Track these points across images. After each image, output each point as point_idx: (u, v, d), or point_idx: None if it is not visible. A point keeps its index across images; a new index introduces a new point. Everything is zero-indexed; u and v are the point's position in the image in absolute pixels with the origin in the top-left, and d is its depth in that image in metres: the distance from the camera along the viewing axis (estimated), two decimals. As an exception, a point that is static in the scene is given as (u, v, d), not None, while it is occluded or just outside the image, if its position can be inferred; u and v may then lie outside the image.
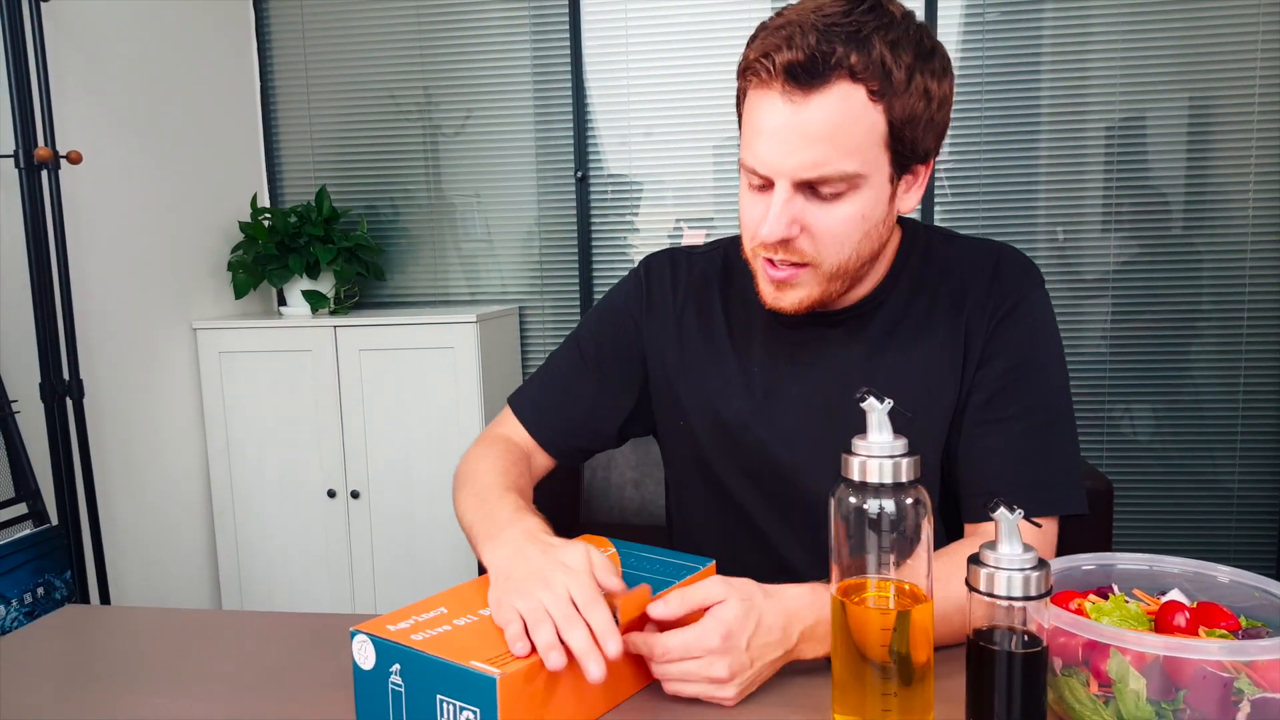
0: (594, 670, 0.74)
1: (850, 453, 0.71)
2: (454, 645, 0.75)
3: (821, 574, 1.07)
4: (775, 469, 1.07)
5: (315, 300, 2.66)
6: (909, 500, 0.70)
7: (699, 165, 2.82)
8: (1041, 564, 0.68)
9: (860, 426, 1.03)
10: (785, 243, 0.93)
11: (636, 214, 2.87)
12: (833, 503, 0.72)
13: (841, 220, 0.92)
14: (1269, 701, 0.68)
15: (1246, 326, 2.65)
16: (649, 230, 2.88)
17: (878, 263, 1.04)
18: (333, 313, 2.70)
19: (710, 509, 1.14)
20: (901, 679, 0.70)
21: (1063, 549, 1.08)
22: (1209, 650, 0.68)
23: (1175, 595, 0.81)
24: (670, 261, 1.16)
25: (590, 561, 0.82)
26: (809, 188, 0.91)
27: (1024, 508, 0.93)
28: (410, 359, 2.52)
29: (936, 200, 2.67)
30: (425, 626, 0.79)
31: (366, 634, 0.77)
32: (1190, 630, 0.74)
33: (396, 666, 0.75)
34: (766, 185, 0.93)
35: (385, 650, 0.76)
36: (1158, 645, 0.69)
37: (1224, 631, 0.75)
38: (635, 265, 1.18)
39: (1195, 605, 0.79)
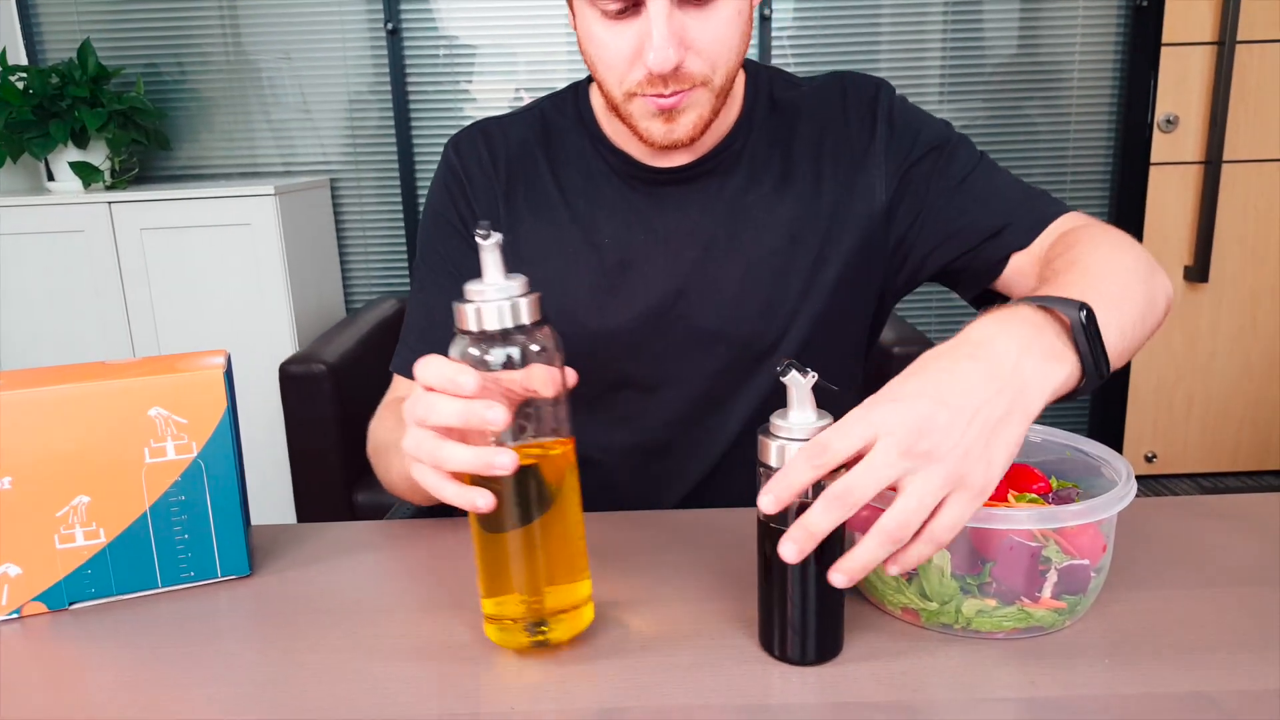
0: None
1: (464, 300, 0.60)
2: None
3: (701, 451, 0.97)
4: (637, 348, 0.96)
5: (86, 173, 2.34)
6: (535, 347, 0.60)
7: (546, 28, 2.60)
8: None
9: (727, 294, 0.94)
10: (675, 69, 0.82)
11: (471, 81, 2.64)
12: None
13: (724, 24, 0.83)
14: (1076, 568, 0.63)
15: (1069, 196, 2.69)
16: (488, 99, 2.65)
17: (731, 97, 0.95)
18: (109, 187, 2.39)
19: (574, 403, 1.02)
20: (542, 540, 0.62)
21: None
22: (1017, 519, 0.61)
23: (987, 459, 0.74)
24: (482, 134, 1.01)
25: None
26: None
27: (1046, 213, 0.90)
28: (201, 238, 2.26)
29: (775, 62, 2.55)
30: None
31: None
32: (999, 495, 0.68)
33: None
34: (628, 8, 0.81)
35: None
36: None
37: (1034, 495, 0.69)
38: (444, 149, 1.02)
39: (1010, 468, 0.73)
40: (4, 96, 2.30)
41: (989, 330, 0.61)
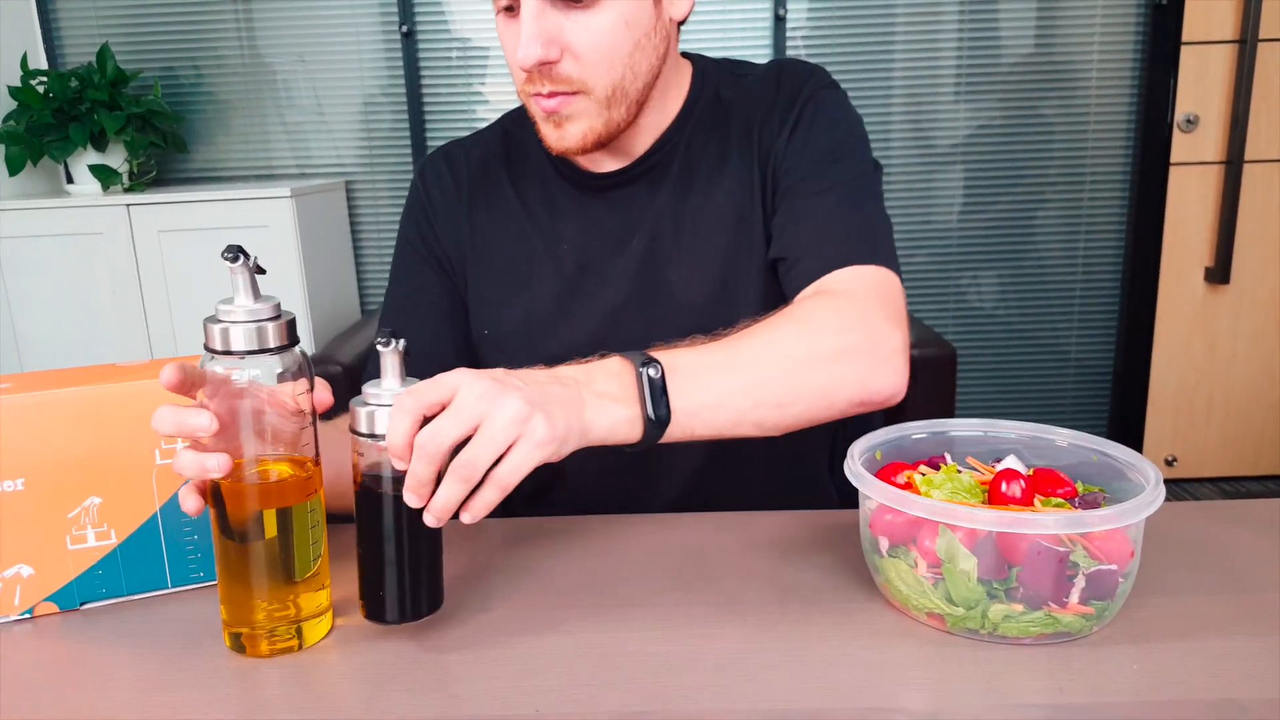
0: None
1: (213, 319, 0.61)
2: None
3: (682, 449, 0.96)
4: (602, 350, 0.95)
5: (105, 176, 2.35)
6: (279, 369, 0.62)
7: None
8: None
9: (679, 287, 0.93)
10: (546, 68, 0.84)
11: (484, 82, 2.64)
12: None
13: (605, 31, 0.83)
14: (1104, 573, 0.62)
15: (1087, 196, 2.66)
16: (500, 100, 2.65)
17: (667, 97, 0.95)
18: (128, 190, 2.40)
19: None
20: (285, 565, 0.64)
21: (902, 416, 1.00)
22: (1044, 524, 0.61)
23: (1011, 462, 0.73)
24: (445, 159, 1.03)
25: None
26: None
27: (845, 258, 0.85)
28: (218, 240, 2.26)
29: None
30: None
31: None
32: (1025, 500, 0.67)
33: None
34: (516, 4, 0.84)
35: None
36: (990, 521, 0.61)
37: (1060, 500, 0.68)
38: (413, 176, 1.06)
39: (1031, 472, 0.72)
40: (25, 100, 2.32)
41: (569, 367, 0.71)
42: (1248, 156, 2.47)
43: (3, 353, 2.33)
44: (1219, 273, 2.55)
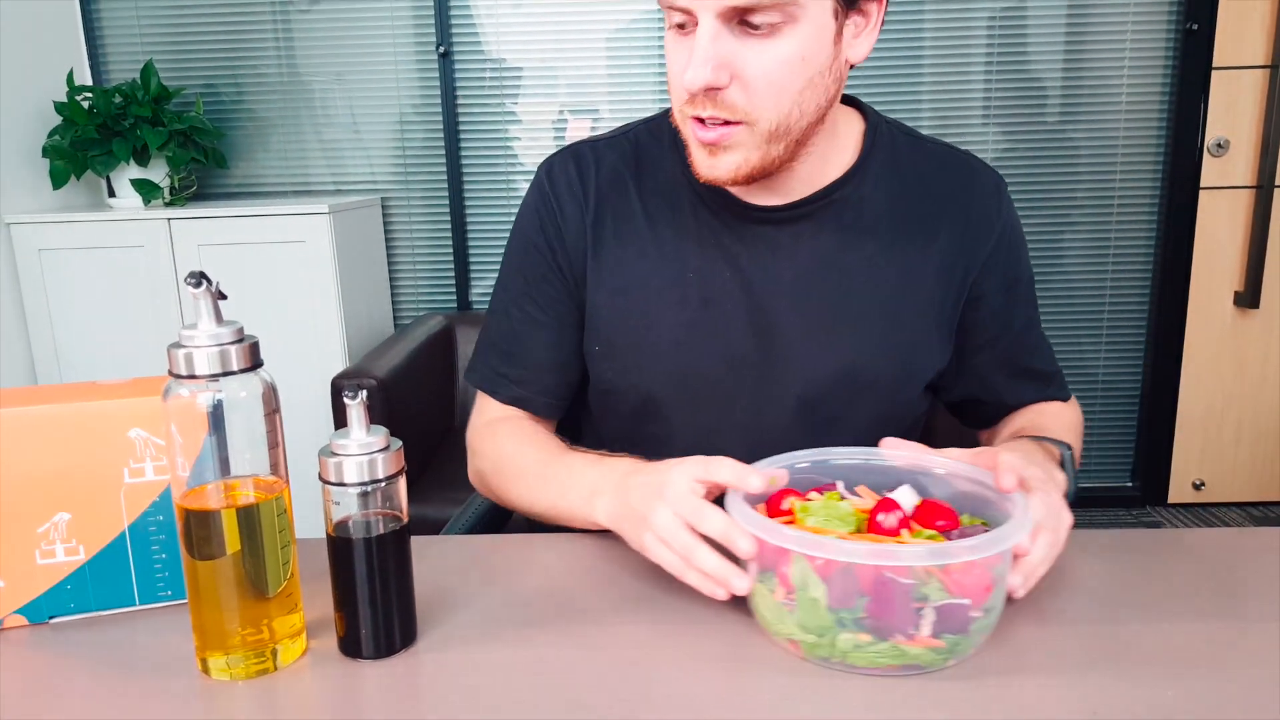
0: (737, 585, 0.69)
1: (176, 345, 0.63)
2: None
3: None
4: (711, 391, 0.94)
5: (146, 190, 2.46)
6: (244, 393, 0.64)
7: (588, 50, 2.65)
8: (392, 444, 0.66)
9: (807, 351, 0.94)
10: (712, 94, 0.80)
11: (517, 101, 2.70)
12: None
13: (780, 62, 0.79)
14: (954, 607, 0.63)
15: (1116, 220, 2.62)
16: (531, 119, 2.71)
17: (834, 140, 0.92)
18: (169, 204, 2.51)
19: (627, 436, 0.99)
20: (256, 585, 0.65)
21: (931, 437, 1.02)
22: (896, 555, 0.62)
23: (903, 492, 0.75)
24: (575, 159, 0.98)
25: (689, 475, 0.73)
26: (739, 20, 0.78)
27: (1058, 393, 1.10)
28: (256, 254, 2.35)
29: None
30: None
31: None
32: (896, 531, 0.69)
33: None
34: (690, 23, 0.80)
35: None
36: (832, 550, 0.62)
37: (933, 532, 0.69)
38: (536, 171, 1.01)
39: (920, 502, 0.73)
40: (70, 115, 2.42)
41: None
42: (1279, 181, 2.41)
43: (43, 364, 2.44)
44: (1249, 297, 2.49)
